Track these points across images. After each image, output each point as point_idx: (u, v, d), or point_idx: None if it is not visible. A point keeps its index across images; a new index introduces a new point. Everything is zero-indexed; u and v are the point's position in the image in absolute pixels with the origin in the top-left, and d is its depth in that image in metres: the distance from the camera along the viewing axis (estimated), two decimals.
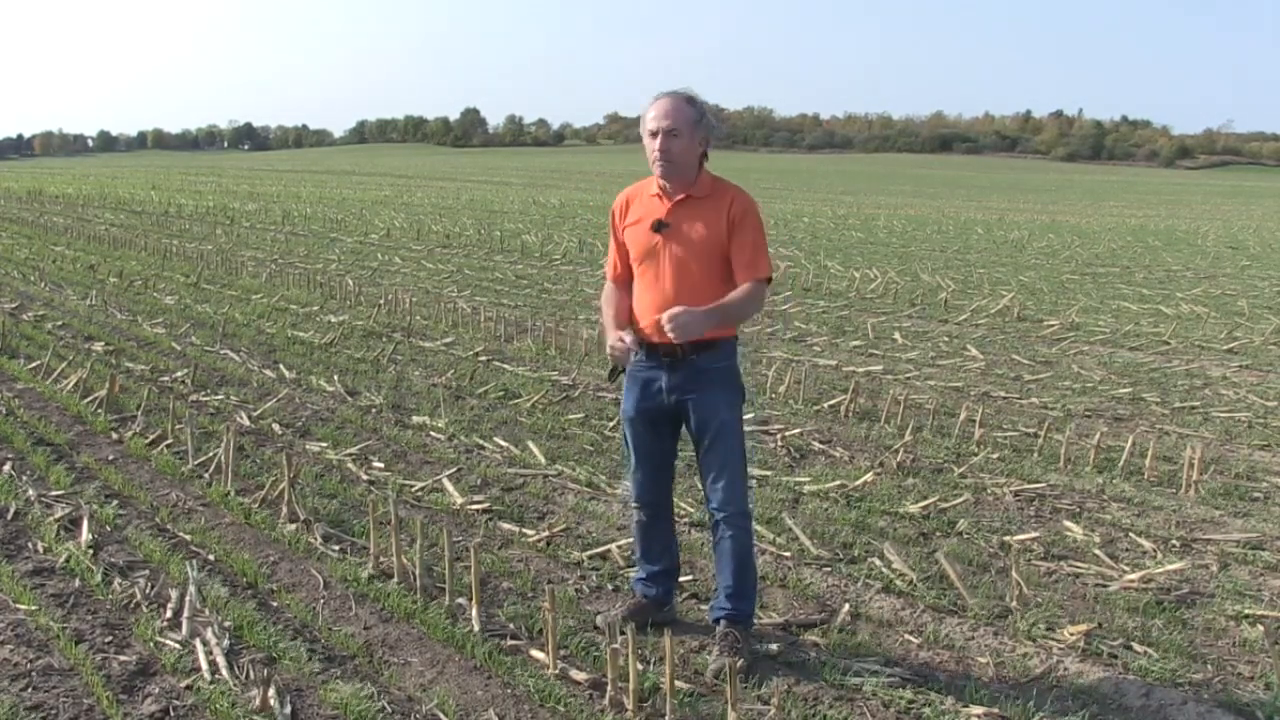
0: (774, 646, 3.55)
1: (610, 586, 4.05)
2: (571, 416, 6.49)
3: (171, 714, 3.07)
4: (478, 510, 4.84)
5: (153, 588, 3.87)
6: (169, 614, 3.64)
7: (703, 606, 3.79)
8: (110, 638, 3.50)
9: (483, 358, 8.22)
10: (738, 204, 3.35)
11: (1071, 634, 3.66)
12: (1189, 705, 3.27)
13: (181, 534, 4.47)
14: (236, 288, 11.83)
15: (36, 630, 3.55)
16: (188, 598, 3.64)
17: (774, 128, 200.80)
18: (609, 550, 4.35)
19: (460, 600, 3.75)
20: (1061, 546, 4.57)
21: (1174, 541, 4.67)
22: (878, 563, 4.28)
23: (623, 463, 5.17)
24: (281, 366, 7.67)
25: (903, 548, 4.45)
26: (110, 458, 5.51)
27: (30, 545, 4.28)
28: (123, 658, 3.37)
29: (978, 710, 3.18)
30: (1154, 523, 4.92)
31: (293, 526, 4.52)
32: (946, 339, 9.86)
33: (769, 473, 5.46)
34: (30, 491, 4.85)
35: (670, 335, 3.17)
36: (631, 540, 3.91)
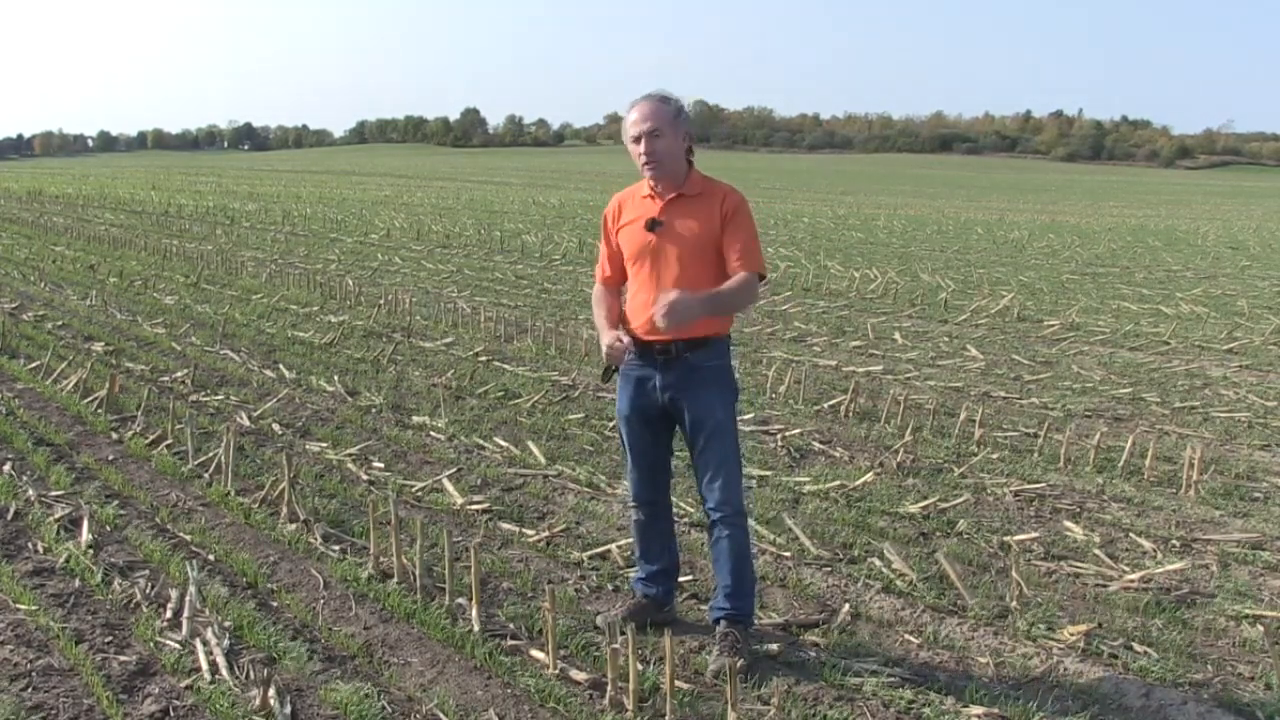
0: (774, 646, 3.55)
1: (610, 586, 4.05)
2: (571, 416, 6.49)
3: (171, 714, 3.07)
4: (478, 510, 4.84)
5: (153, 588, 3.87)
6: (169, 614, 3.64)
7: (703, 606, 3.79)
8: (110, 638, 3.50)
9: (483, 358, 8.22)
10: (730, 201, 3.38)
11: (1071, 634, 3.66)
12: (1189, 705, 3.27)
13: (181, 534, 4.47)
14: (236, 288, 11.83)
15: (36, 630, 3.55)
16: (188, 598, 3.64)
17: (774, 128, 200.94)
18: (609, 550, 4.35)
19: (460, 600, 3.75)
20: (1061, 546, 4.57)
21: (1174, 541, 4.67)
22: (878, 563, 4.29)
23: (622, 463, 5.18)
24: (281, 366, 7.67)
25: (903, 548, 4.45)
26: (110, 458, 5.51)
27: (30, 545, 4.28)
28: (123, 658, 3.37)
29: (978, 710, 3.18)
30: (1154, 523, 4.92)
31: (293, 526, 4.52)
32: (946, 339, 9.86)
33: (769, 473, 5.46)
34: (30, 491, 4.85)
35: (659, 322, 3.15)
36: (631, 540, 3.91)
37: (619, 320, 3.53)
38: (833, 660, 3.46)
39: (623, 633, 3.13)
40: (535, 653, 3.45)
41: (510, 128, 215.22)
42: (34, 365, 7.42)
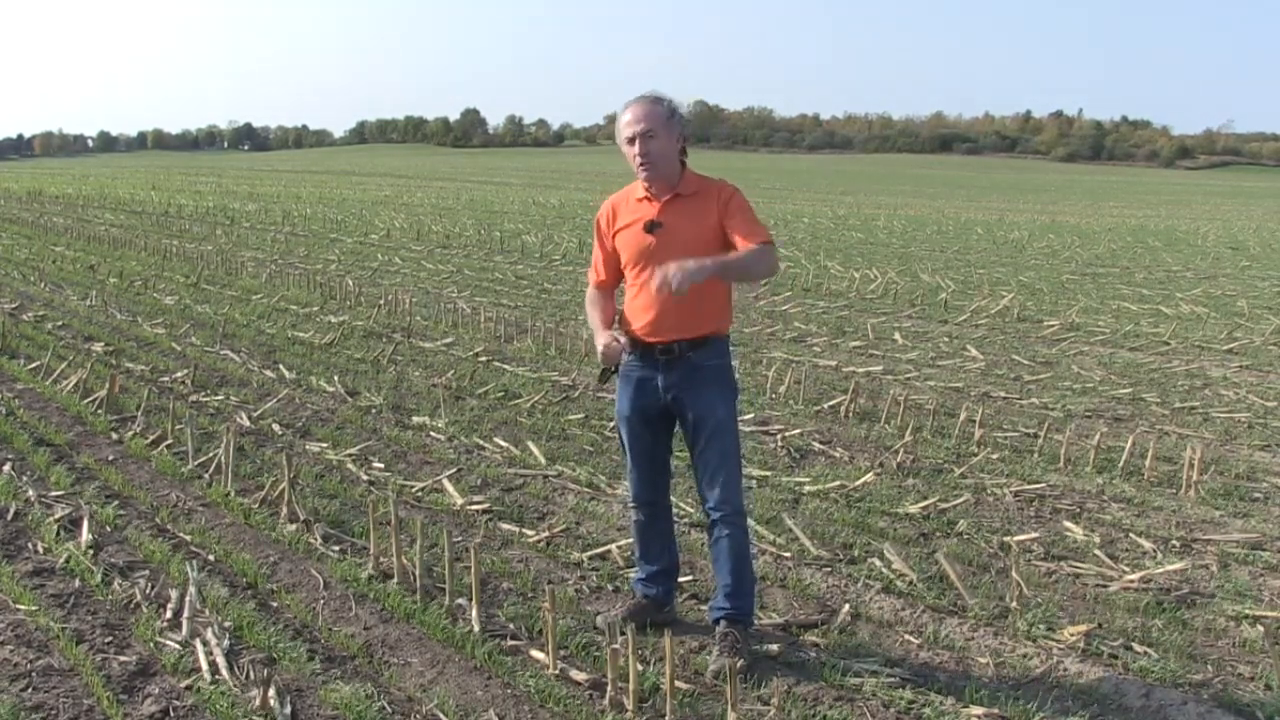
0: (774, 646, 3.55)
1: (610, 586, 4.05)
2: (571, 416, 6.49)
3: (171, 714, 3.07)
4: (478, 510, 4.84)
5: (153, 588, 3.87)
6: (169, 614, 3.64)
7: (702, 606, 3.79)
8: (110, 638, 3.51)
9: (483, 358, 8.22)
10: (724, 194, 3.39)
11: (1071, 634, 3.66)
12: (1189, 705, 3.27)
13: (181, 534, 4.47)
14: (236, 288, 11.83)
15: (36, 630, 3.55)
16: (188, 598, 3.64)
17: (774, 128, 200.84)
18: (609, 550, 4.35)
19: (460, 600, 3.75)
20: (1061, 547, 4.57)
21: (1174, 542, 4.67)
22: (878, 563, 4.28)
23: (622, 463, 5.17)
24: (281, 367, 7.67)
25: (903, 548, 4.45)
26: (110, 458, 5.51)
27: (30, 545, 4.28)
28: (123, 658, 3.37)
29: (978, 710, 3.18)
30: (1154, 523, 4.92)
31: (293, 527, 4.52)
32: (946, 339, 9.86)
33: (769, 473, 5.46)
34: (30, 492, 4.85)
35: (673, 285, 3.02)
36: (631, 540, 3.91)
37: (614, 321, 3.54)
38: (833, 660, 3.46)
39: (623, 633, 3.13)
40: (535, 653, 3.45)
41: (510, 128, 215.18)
42: (34, 365, 7.42)
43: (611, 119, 3.43)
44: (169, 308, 10.29)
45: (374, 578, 4.02)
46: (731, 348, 3.54)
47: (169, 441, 5.66)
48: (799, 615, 3.83)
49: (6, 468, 5.21)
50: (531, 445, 5.78)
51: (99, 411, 6.23)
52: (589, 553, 4.35)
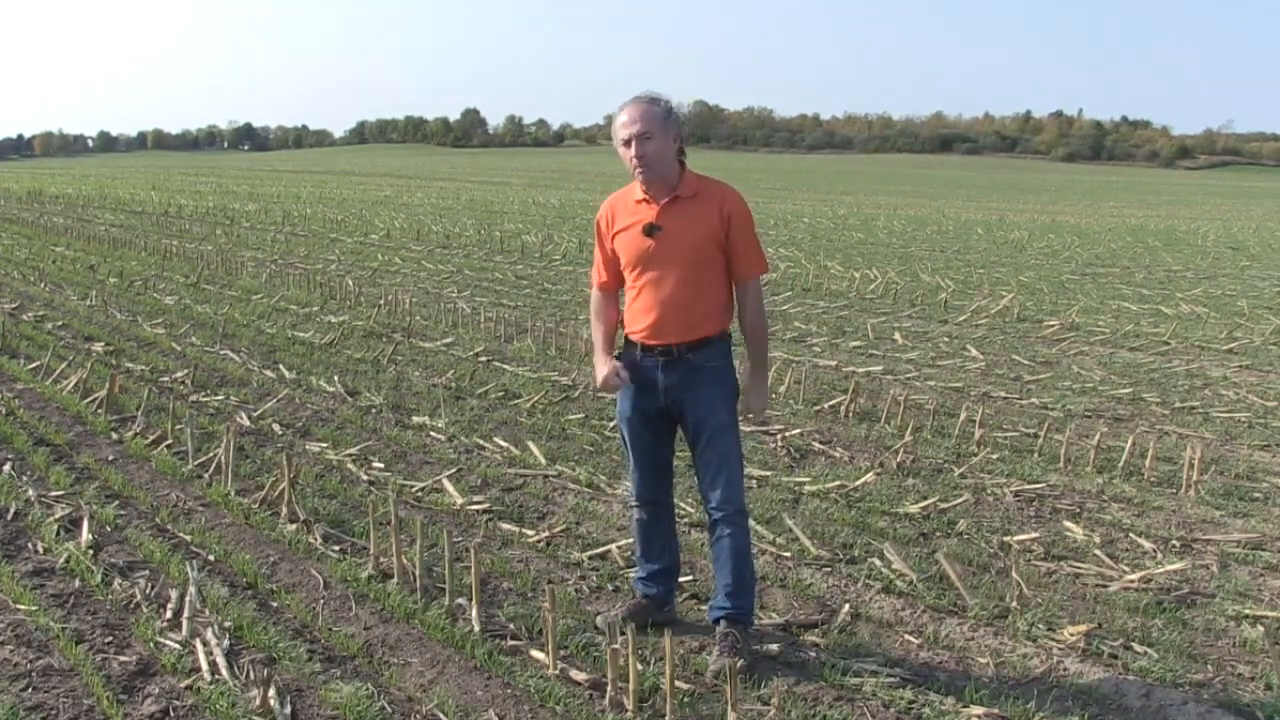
0: (774, 646, 3.55)
1: (610, 586, 4.05)
2: (571, 416, 6.49)
3: (171, 714, 3.07)
4: (478, 510, 4.84)
5: (153, 588, 3.87)
6: (169, 614, 3.64)
7: (702, 606, 3.79)
8: (110, 638, 3.51)
9: (483, 358, 8.22)
10: (730, 201, 3.38)
11: (1071, 634, 3.66)
12: (1189, 705, 3.27)
13: (181, 534, 4.47)
14: (236, 288, 11.83)
15: (36, 630, 3.55)
16: (188, 598, 3.64)
17: (774, 128, 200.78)
18: (609, 550, 4.35)
19: (460, 600, 3.75)
20: (1061, 547, 4.57)
21: (1174, 541, 4.67)
22: (878, 563, 4.29)
23: (622, 463, 5.17)
24: (281, 367, 7.67)
25: (903, 548, 4.45)
26: (110, 458, 5.51)
27: (30, 545, 4.28)
28: (123, 658, 3.37)
29: (978, 710, 3.18)
30: (1154, 523, 4.92)
31: (293, 527, 4.52)
32: (946, 339, 9.86)
33: (769, 473, 5.46)
34: (30, 492, 4.85)
35: (761, 419, 3.46)
36: (631, 540, 3.91)
37: (616, 330, 3.58)
38: (833, 660, 3.46)
39: (623, 633, 3.13)
40: (535, 653, 3.45)
41: (510, 128, 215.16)
42: (34, 365, 7.42)
43: (611, 119, 3.43)
44: (169, 308, 10.29)
45: (374, 578, 4.02)
46: (733, 348, 3.54)
47: (169, 441, 5.66)
48: (799, 615, 3.83)
49: (6, 468, 5.21)
50: (531, 445, 5.78)
51: (99, 411, 6.23)
52: (589, 553, 4.35)
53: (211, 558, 4.24)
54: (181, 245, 16.31)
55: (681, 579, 3.89)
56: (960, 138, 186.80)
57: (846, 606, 3.88)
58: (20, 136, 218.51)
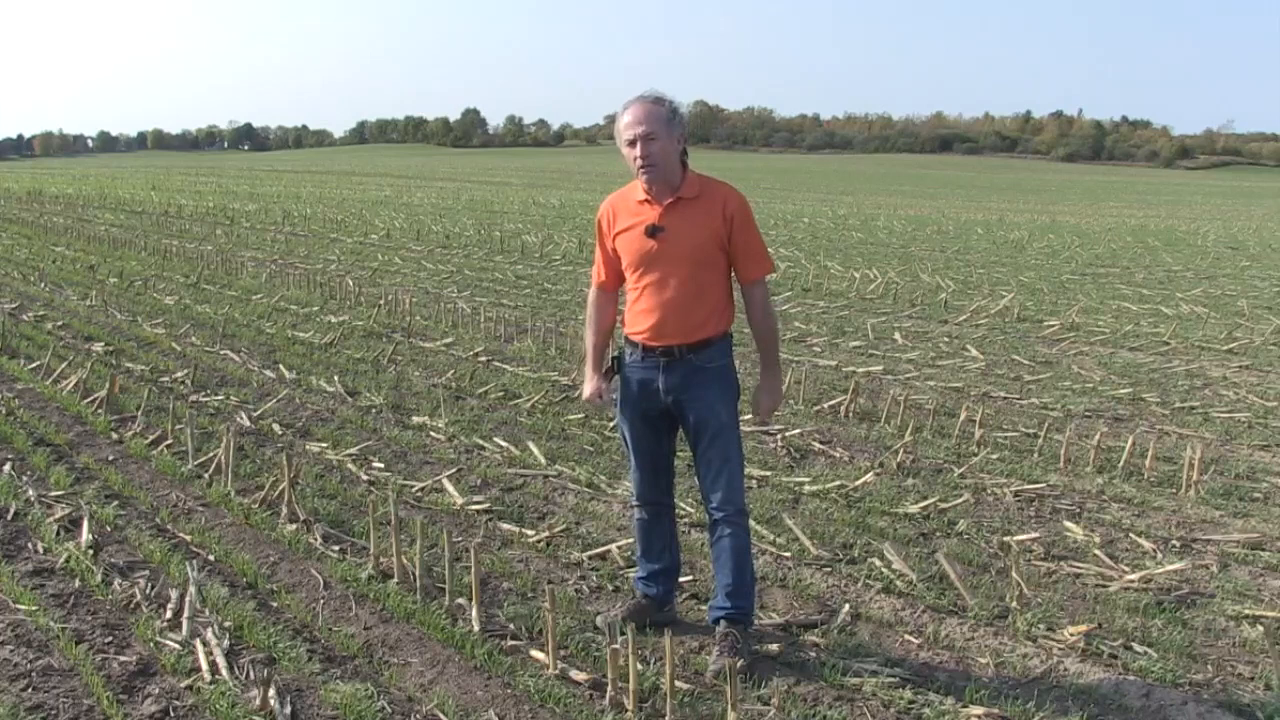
0: (774, 646, 3.55)
1: (610, 586, 4.05)
2: (571, 416, 6.49)
3: (171, 714, 3.07)
4: (478, 510, 4.84)
5: (153, 588, 3.87)
6: (169, 614, 3.64)
7: (702, 606, 3.79)
8: (110, 638, 3.51)
9: (483, 358, 8.22)
10: (732, 202, 3.37)
11: (1071, 634, 3.66)
12: (1189, 705, 3.27)
13: (181, 534, 4.47)
14: (236, 288, 11.83)
15: (36, 630, 3.55)
16: (188, 598, 3.64)
17: (774, 128, 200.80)
18: (609, 550, 4.35)
19: (460, 600, 3.75)
20: (1061, 547, 4.57)
21: (1174, 541, 4.67)
22: (878, 563, 4.28)
23: (623, 462, 5.17)
24: (281, 367, 7.67)
25: (903, 548, 4.45)
26: (110, 458, 5.51)
27: (30, 545, 4.28)
28: (123, 658, 3.37)
29: (978, 710, 3.18)
30: (1154, 523, 4.92)
31: (293, 527, 4.52)
32: (946, 339, 9.85)
33: (769, 473, 5.46)
34: (30, 492, 4.85)
35: (770, 419, 3.44)
36: (632, 540, 3.91)
37: (610, 336, 3.61)
38: (833, 660, 3.46)
39: (623, 633, 3.13)
40: (535, 653, 3.45)
41: (510, 128, 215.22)
42: (34, 365, 7.42)
43: (612, 119, 3.42)
44: (169, 308, 10.29)
45: (374, 578, 4.02)
46: (734, 347, 3.54)
47: (169, 441, 5.66)
48: (799, 615, 3.83)
49: (6, 468, 5.21)
50: (531, 445, 5.78)
51: (99, 411, 6.23)
52: (589, 553, 4.35)
53: (211, 558, 4.24)
54: (181, 245, 16.31)
55: (681, 579, 3.89)
56: (960, 138, 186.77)
57: (846, 606, 3.88)
58: (20, 136, 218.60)
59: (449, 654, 3.49)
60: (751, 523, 4.16)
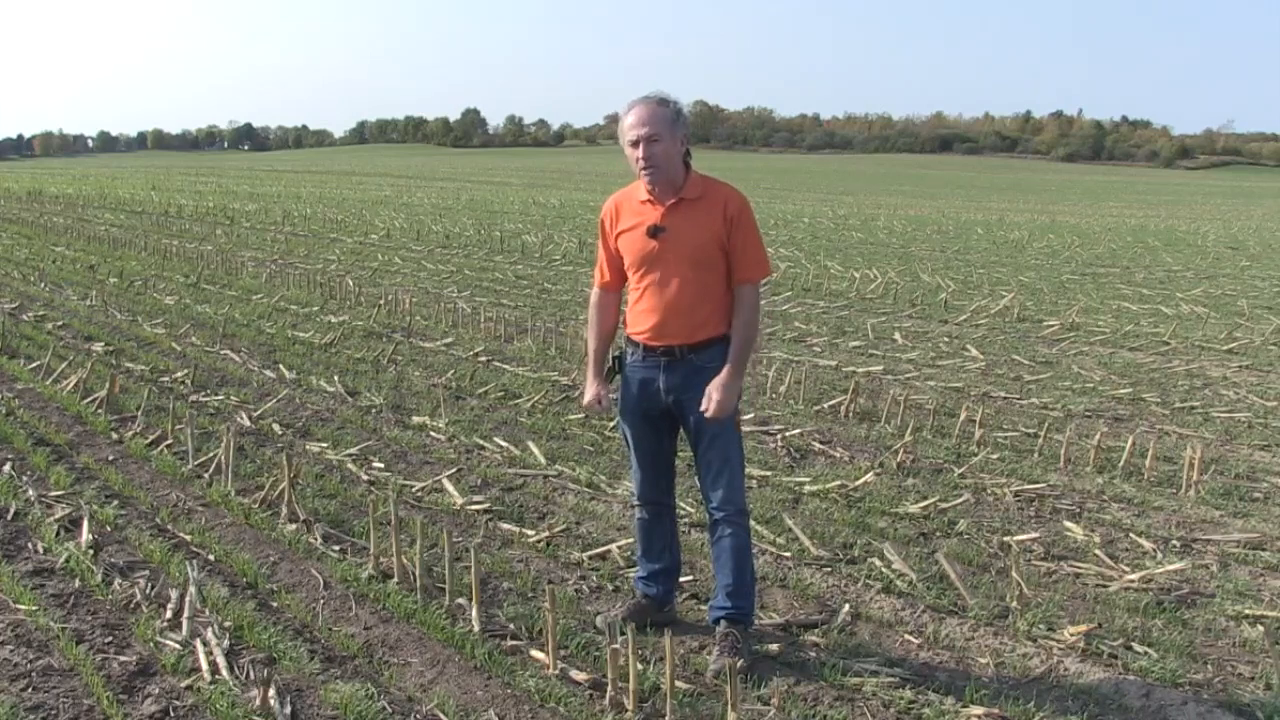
0: (774, 646, 3.55)
1: (610, 586, 4.05)
2: (571, 416, 6.49)
3: (171, 714, 3.07)
4: (478, 510, 4.84)
5: (153, 588, 3.87)
6: (169, 614, 3.64)
7: (702, 606, 3.79)
8: (110, 638, 3.50)
9: (483, 358, 8.22)
10: (733, 203, 3.36)
11: (1071, 634, 3.66)
12: (1189, 705, 3.27)
13: (181, 534, 4.47)
14: (236, 288, 11.83)
15: (36, 630, 3.55)
16: (188, 598, 3.64)
17: (774, 128, 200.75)
18: (609, 550, 4.35)
19: (460, 600, 3.75)
20: (1061, 547, 4.57)
21: (1174, 541, 4.67)
22: (878, 563, 4.28)
23: (623, 462, 5.17)
24: (281, 367, 7.67)
25: (903, 548, 4.45)
26: (110, 458, 5.51)
27: (30, 545, 4.28)
28: (123, 658, 3.37)
29: (978, 710, 3.18)
30: (1154, 523, 4.92)
31: (293, 527, 4.52)
32: (946, 339, 9.85)
33: (769, 473, 5.46)
34: (30, 492, 4.85)
35: (717, 417, 3.29)
36: (632, 540, 3.91)
37: (611, 339, 3.59)
38: (833, 660, 3.46)
39: (623, 633, 3.13)
40: (535, 653, 3.45)
41: (510, 128, 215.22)
42: (34, 365, 7.42)
43: (612, 119, 3.42)
44: (169, 308, 10.29)
45: (374, 578, 4.02)
46: None
47: (169, 441, 5.66)
48: (799, 615, 3.83)
49: (6, 468, 5.21)
50: (531, 445, 5.78)
51: (99, 411, 6.23)
52: (589, 553, 4.35)
53: (211, 558, 4.24)
54: (181, 245, 16.31)
55: (681, 579, 3.89)
56: (960, 138, 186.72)
57: (846, 606, 3.88)
58: (20, 136, 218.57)
59: (449, 654, 3.49)
60: (752, 523, 4.16)
